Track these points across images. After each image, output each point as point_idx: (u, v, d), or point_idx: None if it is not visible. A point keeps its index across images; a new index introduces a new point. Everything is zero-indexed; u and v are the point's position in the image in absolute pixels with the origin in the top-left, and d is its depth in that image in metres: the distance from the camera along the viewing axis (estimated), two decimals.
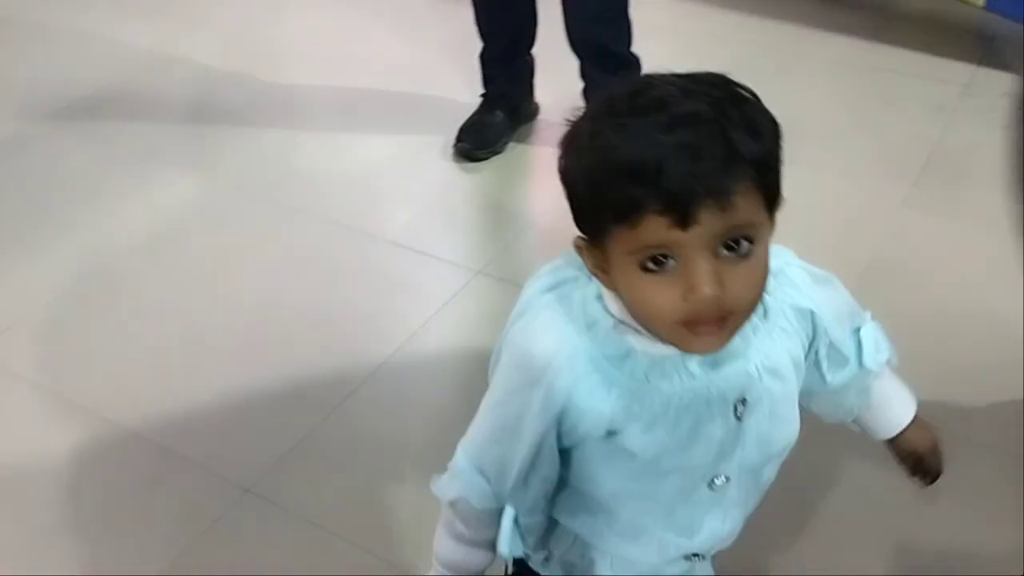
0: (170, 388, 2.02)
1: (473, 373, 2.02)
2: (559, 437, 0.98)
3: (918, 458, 1.24)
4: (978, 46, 3.12)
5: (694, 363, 0.95)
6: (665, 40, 2.77)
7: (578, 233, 0.93)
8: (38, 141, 2.80)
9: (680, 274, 0.85)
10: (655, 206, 0.82)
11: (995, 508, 1.76)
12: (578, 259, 0.97)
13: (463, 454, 1.05)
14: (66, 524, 1.76)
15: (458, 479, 1.05)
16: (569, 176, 0.91)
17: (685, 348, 0.91)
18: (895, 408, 1.21)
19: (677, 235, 0.83)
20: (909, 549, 1.70)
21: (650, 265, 0.86)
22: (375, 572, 1.66)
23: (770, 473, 1.08)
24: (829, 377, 1.08)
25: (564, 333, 0.95)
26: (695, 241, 0.83)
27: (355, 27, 3.28)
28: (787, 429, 1.04)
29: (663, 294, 0.86)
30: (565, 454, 1.01)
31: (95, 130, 2.84)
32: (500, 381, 1.01)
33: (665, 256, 0.85)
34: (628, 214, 0.84)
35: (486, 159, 2.65)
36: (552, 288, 0.99)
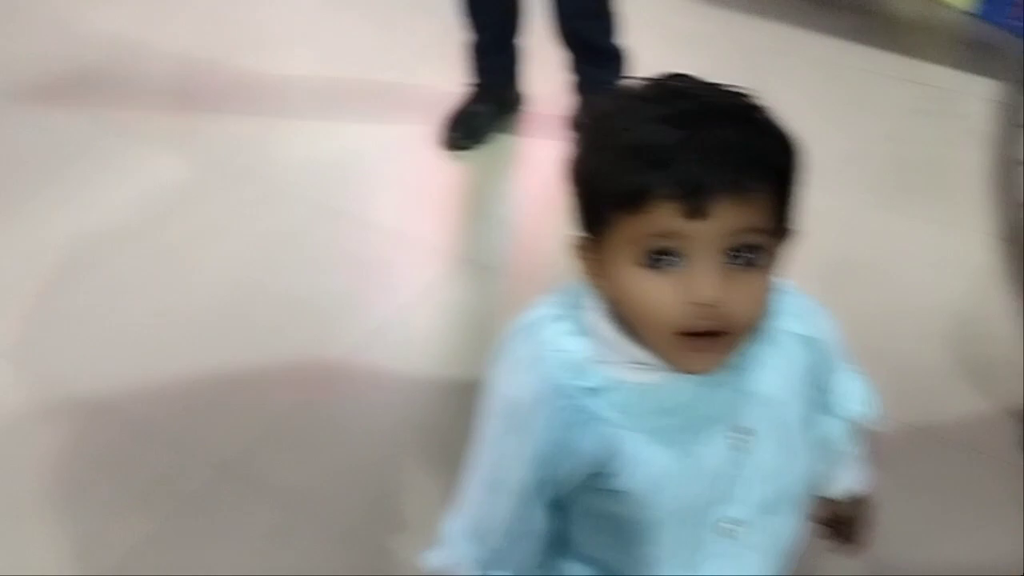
0: (145, 365, 2.02)
1: (450, 356, 2.06)
2: (548, 486, 0.94)
3: (847, 526, 1.20)
4: (961, 51, 3.14)
5: (683, 386, 0.90)
6: (649, 35, 2.77)
7: (576, 236, 0.90)
8: (12, 120, 2.78)
9: (683, 275, 0.82)
10: (668, 190, 0.80)
11: (994, 510, 1.78)
12: (555, 297, 0.94)
13: (452, 520, 1.01)
14: (36, 499, 1.76)
15: (447, 548, 1.00)
16: (578, 163, 0.88)
17: (677, 362, 0.87)
18: (851, 470, 1.16)
19: (686, 225, 0.80)
20: (908, 550, 1.71)
21: (653, 261, 0.82)
22: (350, 551, 1.67)
23: (793, 521, 1.01)
24: (818, 420, 1.04)
25: (539, 372, 0.91)
26: (704, 236, 0.81)
27: (336, 12, 3.26)
28: (797, 463, 0.99)
29: (663, 294, 0.83)
30: (557, 510, 0.97)
31: (70, 111, 2.81)
32: (482, 434, 0.97)
33: (670, 253, 0.82)
34: (638, 197, 0.81)
35: (471, 148, 2.65)
36: (526, 328, 0.95)
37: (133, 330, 2.11)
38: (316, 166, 2.61)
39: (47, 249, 2.32)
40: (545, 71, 2.68)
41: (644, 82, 0.88)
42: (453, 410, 1.92)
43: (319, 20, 3.25)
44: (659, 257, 0.83)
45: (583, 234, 0.89)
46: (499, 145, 2.69)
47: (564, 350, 0.91)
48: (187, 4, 3.34)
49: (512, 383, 0.94)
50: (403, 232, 2.39)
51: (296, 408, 1.93)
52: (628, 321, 0.88)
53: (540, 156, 2.66)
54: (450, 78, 2.73)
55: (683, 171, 0.80)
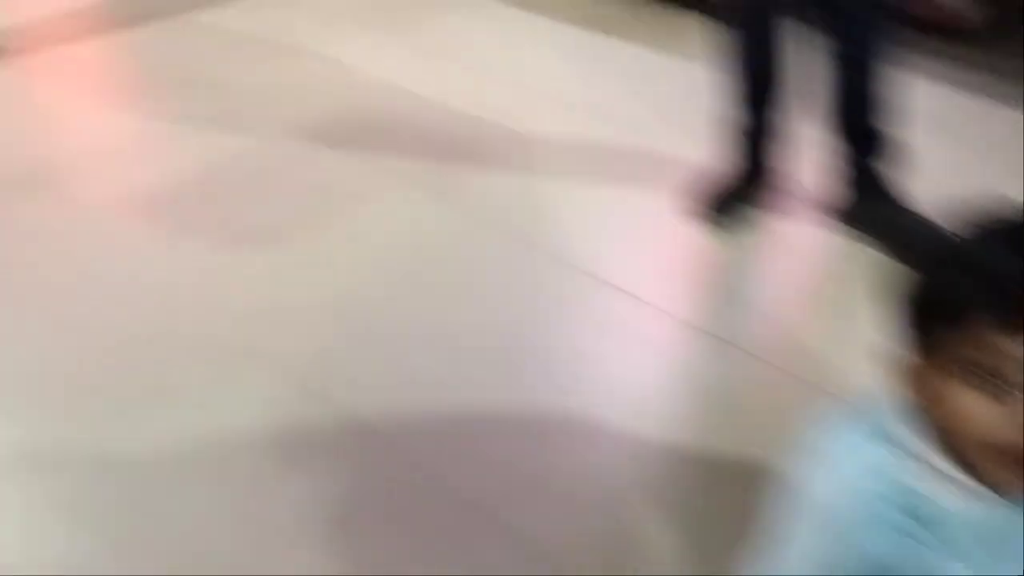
0: (398, 399, 2.11)
1: (686, 424, 2.05)
2: None
3: None
4: None
5: (991, 511, 0.90)
6: (927, 128, 2.69)
7: (895, 351, 0.92)
8: (291, 157, 2.99)
9: (1006, 395, 0.83)
10: (1000, 312, 0.82)
11: None
12: (858, 404, 0.96)
13: None
14: (297, 526, 1.82)
15: None
16: (909, 281, 0.91)
17: (992, 484, 0.88)
18: None
19: (1010, 346, 0.82)
20: None
21: (979, 381, 0.84)
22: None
23: None
24: None
25: (850, 479, 0.94)
26: None
27: (603, 83, 3.37)
28: None
29: (981, 411, 0.84)
30: None
31: (345, 152, 3.00)
32: (779, 528, 0.99)
33: (996, 374, 0.83)
34: (970, 318, 0.83)
35: (724, 224, 2.66)
36: (835, 431, 0.98)
37: (385, 363, 2.21)
38: (567, 225, 2.68)
39: (314, 281, 2.48)
40: (810, 153, 2.67)
41: (987, 207, 0.90)
42: (689, 478, 1.92)
43: (584, 87, 3.37)
44: (985, 377, 0.84)
45: (904, 350, 0.92)
46: (752, 223, 2.68)
47: (876, 460, 0.93)
48: (460, 63, 3.54)
49: (820, 485, 0.95)
50: (647, 297, 2.41)
51: (533, 454, 1.97)
52: (944, 440, 0.89)
53: (793, 238, 2.63)
54: (708, 152, 2.76)
55: (1015, 294, 0.81)
